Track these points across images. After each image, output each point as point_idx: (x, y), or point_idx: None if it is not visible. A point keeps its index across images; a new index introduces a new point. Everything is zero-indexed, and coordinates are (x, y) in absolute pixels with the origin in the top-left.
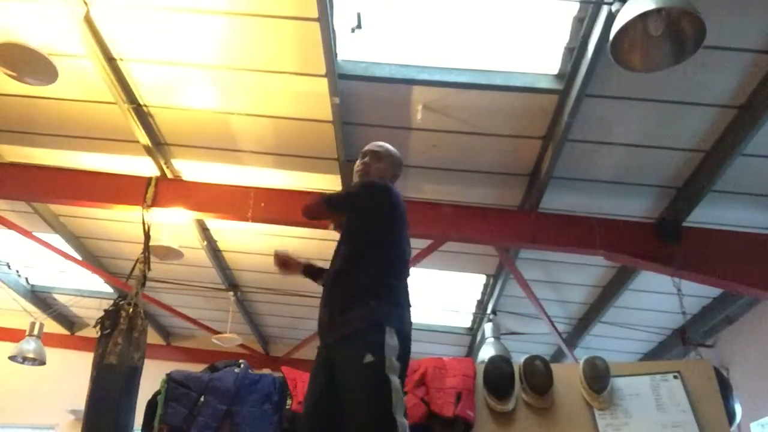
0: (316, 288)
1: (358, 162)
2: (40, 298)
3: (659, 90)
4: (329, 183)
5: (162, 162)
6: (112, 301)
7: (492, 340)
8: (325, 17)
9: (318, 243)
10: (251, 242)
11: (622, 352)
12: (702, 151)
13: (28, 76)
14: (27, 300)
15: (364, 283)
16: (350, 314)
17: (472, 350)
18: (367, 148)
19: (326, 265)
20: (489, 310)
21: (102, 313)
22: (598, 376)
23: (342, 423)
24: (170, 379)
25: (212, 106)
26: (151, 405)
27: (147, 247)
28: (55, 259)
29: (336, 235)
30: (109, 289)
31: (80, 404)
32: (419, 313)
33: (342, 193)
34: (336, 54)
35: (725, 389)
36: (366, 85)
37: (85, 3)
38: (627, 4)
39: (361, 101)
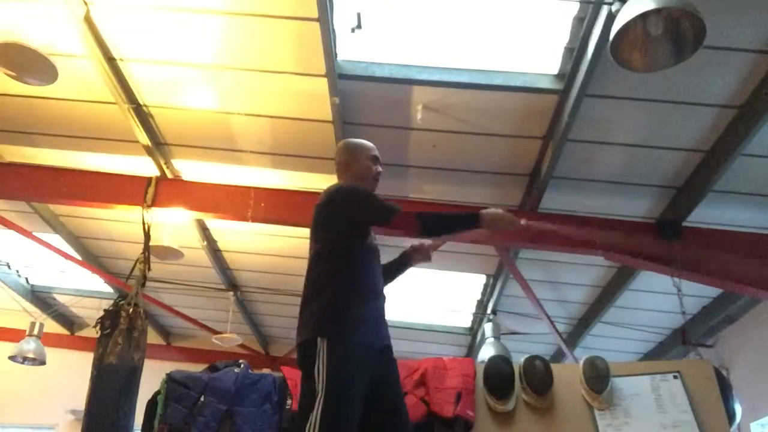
0: None
1: (379, 167)
2: (40, 298)
3: (659, 90)
4: (329, 183)
5: (162, 162)
6: (112, 301)
7: (492, 340)
8: (325, 17)
9: None
10: (251, 242)
11: (622, 352)
12: (702, 151)
13: (28, 76)
14: (27, 300)
15: None
16: None
17: (472, 350)
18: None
19: None
20: (489, 310)
21: (102, 313)
22: (598, 376)
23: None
24: (170, 379)
25: (212, 106)
26: (151, 405)
27: (147, 247)
28: (55, 259)
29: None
30: (109, 289)
31: (80, 404)
32: (419, 313)
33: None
34: (336, 54)
35: (725, 389)
36: (366, 85)
37: (85, 3)
38: (627, 4)
39: (361, 101)
